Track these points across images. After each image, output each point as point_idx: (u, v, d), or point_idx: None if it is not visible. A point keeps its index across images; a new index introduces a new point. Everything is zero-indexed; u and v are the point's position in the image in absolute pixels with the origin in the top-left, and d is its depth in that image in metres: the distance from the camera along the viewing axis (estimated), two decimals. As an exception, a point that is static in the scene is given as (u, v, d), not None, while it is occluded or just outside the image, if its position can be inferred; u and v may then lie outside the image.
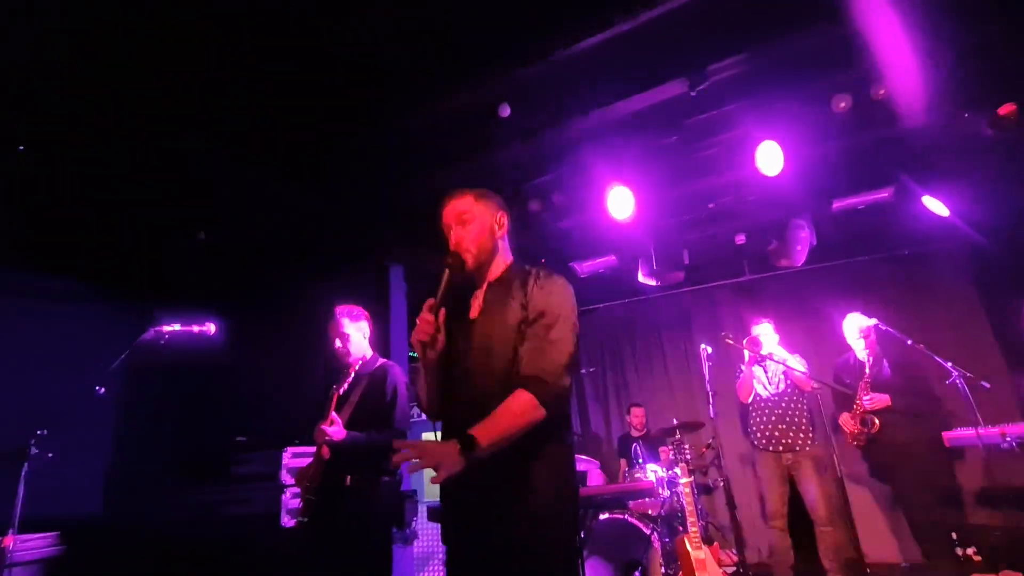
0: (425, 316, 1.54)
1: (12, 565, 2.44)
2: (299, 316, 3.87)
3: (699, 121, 3.50)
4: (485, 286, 1.68)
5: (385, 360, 2.94)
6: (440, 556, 4.81)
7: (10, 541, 2.38)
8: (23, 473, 2.46)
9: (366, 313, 2.99)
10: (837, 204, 4.21)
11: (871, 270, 4.96)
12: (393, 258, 4.84)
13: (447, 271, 1.59)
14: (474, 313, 1.66)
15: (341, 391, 2.77)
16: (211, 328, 3.04)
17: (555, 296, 1.57)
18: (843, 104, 3.31)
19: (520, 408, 1.43)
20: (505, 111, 3.29)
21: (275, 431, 3.85)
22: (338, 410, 2.67)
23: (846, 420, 3.98)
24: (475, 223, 1.67)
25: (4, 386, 3.69)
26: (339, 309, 2.92)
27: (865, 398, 3.85)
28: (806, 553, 3.97)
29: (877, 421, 3.82)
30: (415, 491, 4.56)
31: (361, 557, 2.57)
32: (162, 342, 2.65)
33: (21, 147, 3.26)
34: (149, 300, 4.44)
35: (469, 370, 1.57)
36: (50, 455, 2.48)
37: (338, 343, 2.84)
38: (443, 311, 1.57)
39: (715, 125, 3.55)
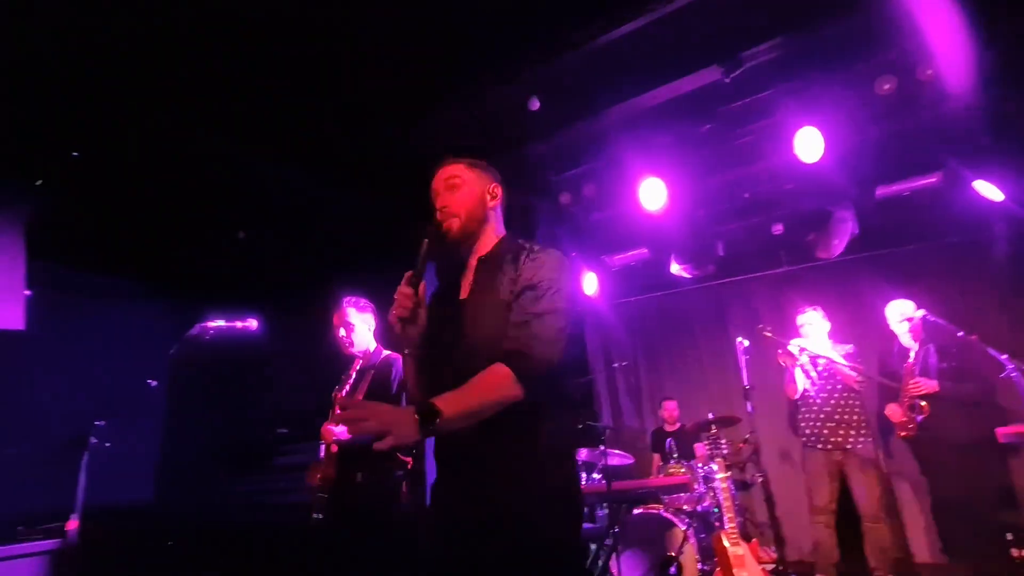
0: (403, 289, 1.40)
1: (74, 546, 2.57)
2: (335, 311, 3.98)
3: (734, 108, 3.42)
4: (475, 263, 1.55)
5: (390, 352, 2.86)
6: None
7: (73, 525, 2.51)
8: (83, 461, 2.58)
9: (373, 306, 2.94)
10: (881, 191, 4.05)
11: (917, 259, 4.74)
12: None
13: (425, 241, 1.45)
14: (464, 293, 1.52)
15: (344, 390, 2.72)
16: (253, 323, 3.11)
17: (546, 267, 1.43)
18: (887, 86, 3.17)
19: (493, 382, 1.28)
20: (535, 105, 3.28)
21: (314, 423, 3.97)
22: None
23: (893, 410, 3.83)
24: (464, 188, 1.54)
25: (67, 379, 3.92)
26: (346, 299, 2.87)
27: (911, 383, 3.71)
28: (851, 551, 3.86)
29: (924, 404, 3.66)
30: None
31: (376, 552, 2.55)
32: (207, 337, 2.73)
33: (75, 152, 3.43)
34: (195, 297, 4.63)
35: (459, 356, 1.42)
36: (107, 444, 2.60)
37: (341, 332, 2.79)
38: (423, 284, 1.42)
39: (751, 112, 3.46)
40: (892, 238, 4.74)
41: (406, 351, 1.50)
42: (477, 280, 1.52)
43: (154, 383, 2.57)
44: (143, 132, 3.28)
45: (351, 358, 2.82)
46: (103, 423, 2.70)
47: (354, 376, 2.75)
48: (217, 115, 3.23)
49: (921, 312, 3.77)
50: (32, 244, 3.51)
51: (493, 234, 1.58)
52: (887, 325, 4.01)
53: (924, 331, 3.84)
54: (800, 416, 4.06)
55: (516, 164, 3.76)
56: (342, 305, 2.85)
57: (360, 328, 2.84)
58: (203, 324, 2.73)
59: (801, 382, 4.01)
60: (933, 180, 3.88)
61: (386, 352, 2.87)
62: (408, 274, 1.42)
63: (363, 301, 2.92)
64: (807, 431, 4.00)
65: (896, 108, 3.29)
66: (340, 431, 2.55)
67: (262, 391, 5.29)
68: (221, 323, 2.72)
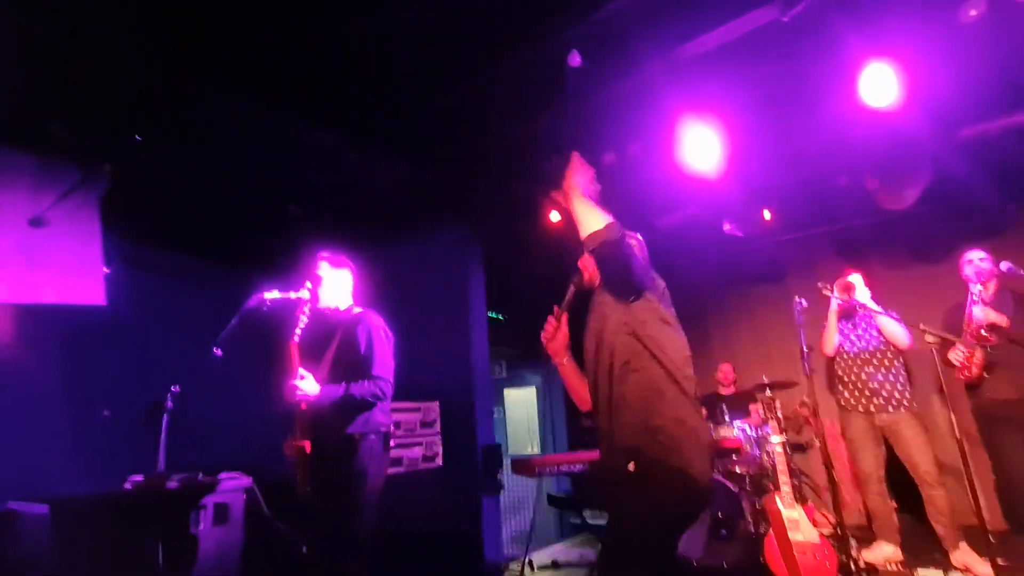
0: (550, 319, 2.03)
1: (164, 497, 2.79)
2: (386, 281, 4.06)
3: (794, 50, 3.13)
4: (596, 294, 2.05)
5: (364, 309, 2.78)
6: (529, 504, 5.04)
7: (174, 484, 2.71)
8: (164, 423, 2.76)
9: (351, 264, 2.88)
10: (966, 132, 3.66)
11: (1006, 209, 4.31)
12: (473, 224, 4.91)
13: (572, 287, 2.03)
14: (593, 315, 2.03)
15: (296, 339, 2.61)
16: (306, 294, 3.20)
17: None
18: (974, 11, 2.81)
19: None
20: (575, 60, 3.12)
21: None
22: (314, 365, 2.59)
23: (954, 351, 3.52)
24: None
25: (142, 349, 4.27)
26: (321, 254, 2.82)
27: (976, 309, 3.38)
28: (914, 516, 3.70)
29: (988, 335, 3.37)
30: (499, 444, 4.74)
31: (351, 517, 2.46)
32: (264, 308, 2.81)
33: (138, 136, 3.60)
34: (253, 271, 4.86)
35: (592, 365, 1.93)
36: (183, 408, 2.78)
37: (308, 284, 2.72)
38: (565, 315, 2.02)
39: (813, 53, 3.15)
40: (977, 186, 4.29)
41: (555, 360, 2.09)
42: (595, 302, 2.04)
43: (219, 352, 2.71)
44: (198, 112, 3.39)
45: (316, 309, 2.71)
46: (178, 389, 2.86)
47: (325, 329, 2.68)
48: (266, 89, 3.27)
49: (1005, 265, 3.44)
50: (105, 223, 3.75)
51: None
52: (961, 280, 3.68)
53: (1001, 284, 3.52)
54: (836, 377, 3.90)
55: (557, 124, 3.64)
56: (315, 259, 2.80)
57: (330, 283, 2.76)
58: (260, 296, 2.81)
59: (838, 339, 3.86)
60: (1026, 118, 3.46)
61: (357, 309, 2.80)
62: (556, 309, 2.04)
63: (340, 258, 2.85)
64: (844, 393, 3.83)
65: (985, 36, 2.91)
66: (308, 388, 2.49)
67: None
68: (276, 295, 2.79)
